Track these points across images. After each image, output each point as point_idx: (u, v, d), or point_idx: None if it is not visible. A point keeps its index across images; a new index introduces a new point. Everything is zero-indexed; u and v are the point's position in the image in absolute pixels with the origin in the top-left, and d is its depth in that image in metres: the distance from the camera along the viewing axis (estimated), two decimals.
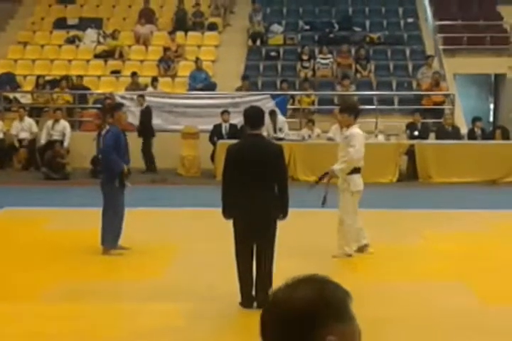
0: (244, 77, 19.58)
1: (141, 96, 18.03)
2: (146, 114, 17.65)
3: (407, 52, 21.59)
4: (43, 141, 17.80)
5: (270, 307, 1.82)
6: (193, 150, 17.37)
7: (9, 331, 6.82)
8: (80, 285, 8.32)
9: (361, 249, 9.74)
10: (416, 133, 17.58)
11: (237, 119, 16.89)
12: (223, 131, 17.32)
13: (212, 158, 16.68)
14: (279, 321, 1.78)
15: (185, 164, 17.35)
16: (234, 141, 8.65)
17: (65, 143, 17.65)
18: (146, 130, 17.49)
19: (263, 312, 1.83)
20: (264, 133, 12.31)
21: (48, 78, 20.12)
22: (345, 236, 9.48)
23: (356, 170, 9.46)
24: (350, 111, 9.51)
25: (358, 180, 9.47)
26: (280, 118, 17.62)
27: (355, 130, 9.43)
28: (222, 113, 17.41)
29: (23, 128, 18.26)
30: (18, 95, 19.90)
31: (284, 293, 1.81)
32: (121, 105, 10.95)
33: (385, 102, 19.43)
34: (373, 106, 18.76)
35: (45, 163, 17.06)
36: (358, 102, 15.17)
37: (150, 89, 19.40)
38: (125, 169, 9.62)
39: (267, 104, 17.22)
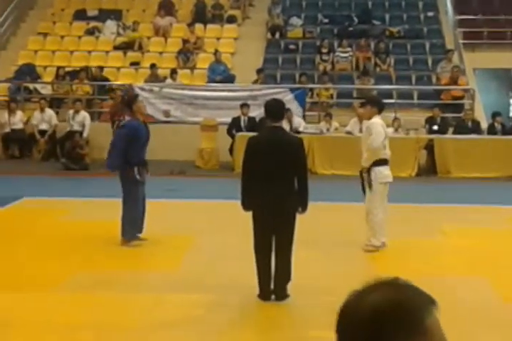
0: (260, 70, 19.55)
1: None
2: None
3: (427, 46, 21.48)
4: (68, 128, 17.86)
5: (340, 312, 1.67)
6: (211, 142, 17.38)
7: (28, 320, 6.86)
8: (98, 275, 8.35)
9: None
10: (435, 127, 17.51)
11: (256, 112, 16.88)
12: (242, 124, 17.30)
13: (231, 150, 16.68)
14: (344, 328, 1.64)
15: (204, 156, 17.36)
16: (252, 134, 8.63)
17: (85, 134, 17.72)
18: None
19: (337, 316, 1.69)
20: None
21: (67, 69, 20.21)
22: (373, 227, 9.44)
23: (383, 162, 9.42)
24: (374, 103, 9.53)
25: (385, 172, 9.43)
26: (296, 118, 17.50)
27: (375, 119, 9.40)
28: (242, 106, 17.37)
29: (44, 119, 18.34)
30: (38, 86, 20.00)
31: (355, 297, 1.65)
32: (136, 96, 10.93)
33: (404, 96, 19.36)
34: (392, 101, 18.69)
35: (65, 154, 17.13)
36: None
37: (169, 80, 19.42)
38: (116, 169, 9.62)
39: (285, 97, 17.16)
